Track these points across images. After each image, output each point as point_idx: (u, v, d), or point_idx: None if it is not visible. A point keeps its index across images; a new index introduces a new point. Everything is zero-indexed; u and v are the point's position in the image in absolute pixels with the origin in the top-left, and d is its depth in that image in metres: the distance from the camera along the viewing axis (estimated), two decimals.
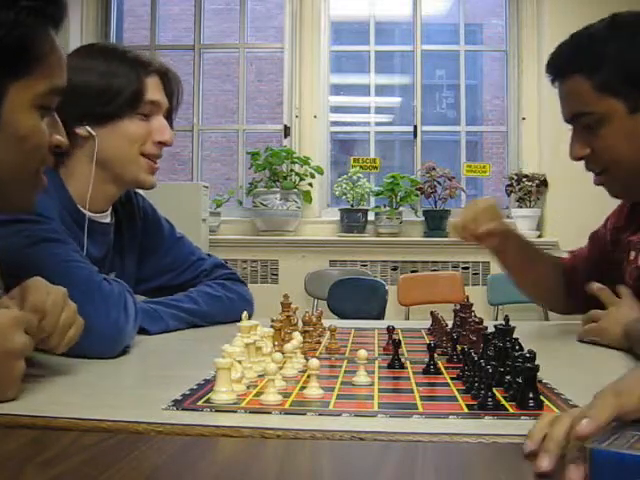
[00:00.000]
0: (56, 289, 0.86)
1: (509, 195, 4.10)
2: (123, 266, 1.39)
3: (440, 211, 4.02)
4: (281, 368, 0.88)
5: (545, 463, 0.53)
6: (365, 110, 4.60)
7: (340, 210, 4.09)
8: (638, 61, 1.20)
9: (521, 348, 0.95)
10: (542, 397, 0.75)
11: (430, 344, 0.95)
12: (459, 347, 1.01)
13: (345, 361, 1.01)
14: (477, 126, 5.63)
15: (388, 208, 4.04)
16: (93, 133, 1.24)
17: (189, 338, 1.29)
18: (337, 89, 4.91)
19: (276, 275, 3.99)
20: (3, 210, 0.96)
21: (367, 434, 0.64)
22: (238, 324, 0.95)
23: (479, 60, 7.06)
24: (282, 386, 0.81)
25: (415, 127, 4.29)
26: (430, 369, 0.93)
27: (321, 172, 4.08)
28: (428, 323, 1.37)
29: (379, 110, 5.02)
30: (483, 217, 1.34)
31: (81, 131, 1.23)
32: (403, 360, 0.97)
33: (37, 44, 0.81)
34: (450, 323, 1.22)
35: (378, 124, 4.68)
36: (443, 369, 0.94)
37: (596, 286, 1.30)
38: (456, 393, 0.81)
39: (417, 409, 0.74)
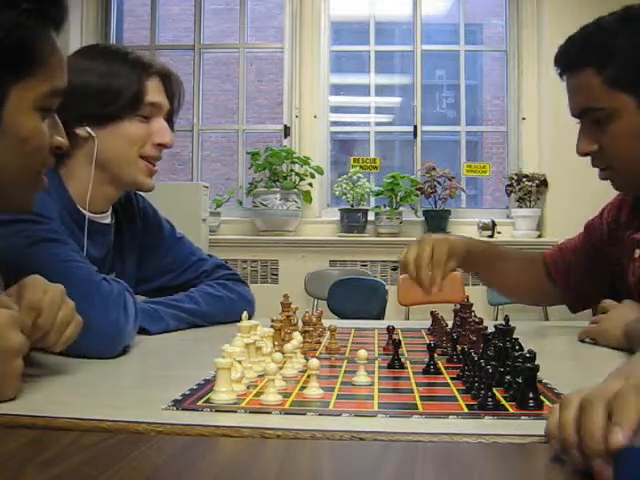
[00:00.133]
0: (54, 287, 0.86)
1: (509, 195, 4.09)
2: (123, 267, 1.39)
3: (440, 211, 4.02)
4: (281, 368, 0.88)
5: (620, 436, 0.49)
6: (365, 110, 4.60)
7: (340, 210, 4.09)
8: None
9: (521, 348, 0.95)
10: (542, 397, 0.75)
11: (430, 344, 0.95)
12: (459, 347, 1.01)
13: (345, 361, 1.01)
14: (477, 126, 5.62)
15: (388, 208, 4.04)
16: (93, 134, 1.24)
17: (189, 338, 1.29)
18: (337, 89, 4.91)
19: (276, 275, 3.99)
20: (3, 210, 0.96)
21: (367, 434, 0.64)
22: (238, 324, 0.95)
23: (479, 60, 7.04)
24: (282, 386, 0.81)
25: (415, 127, 4.29)
26: (430, 369, 0.93)
27: (321, 172, 4.08)
28: (428, 323, 1.37)
29: (379, 110, 5.01)
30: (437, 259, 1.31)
31: (81, 132, 1.24)
32: (403, 360, 0.97)
33: (38, 46, 0.81)
34: (450, 323, 1.23)
35: (378, 124, 4.67)
36: (443, 369, 0.94)
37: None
38: (456, 393, 0.81)
39: (417, 409, 0.74)
